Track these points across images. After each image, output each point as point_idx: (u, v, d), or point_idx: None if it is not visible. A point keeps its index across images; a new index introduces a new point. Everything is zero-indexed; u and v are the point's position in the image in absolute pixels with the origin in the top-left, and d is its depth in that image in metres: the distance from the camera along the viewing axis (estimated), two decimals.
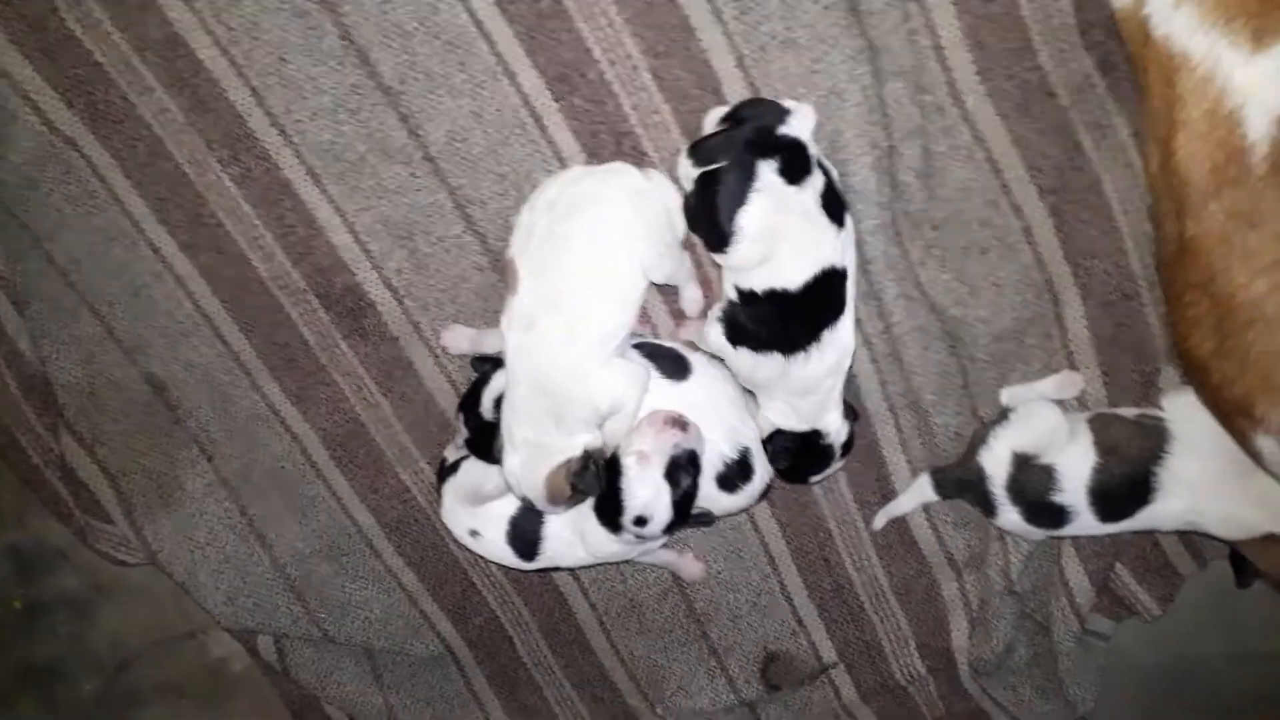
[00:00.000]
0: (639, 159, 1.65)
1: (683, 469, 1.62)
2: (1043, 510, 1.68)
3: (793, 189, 1.49)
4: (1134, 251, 1.67)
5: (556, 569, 1.95)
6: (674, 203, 1.60)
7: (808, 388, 1.63)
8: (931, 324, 1.75)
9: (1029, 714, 2.05)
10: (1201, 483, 1.61)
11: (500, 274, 1.75)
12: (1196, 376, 1.36)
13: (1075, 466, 1.64)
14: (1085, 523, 1.67)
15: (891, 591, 1.98)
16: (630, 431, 1.63)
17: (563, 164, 1.67)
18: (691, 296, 1.72)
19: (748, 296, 1.57)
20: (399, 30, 1.63)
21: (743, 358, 1.63)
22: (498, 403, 1.70)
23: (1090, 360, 1.75)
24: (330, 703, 2.21)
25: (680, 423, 1.63)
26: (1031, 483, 1.66)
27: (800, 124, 1.52)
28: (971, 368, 1.78)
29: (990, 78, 1.59)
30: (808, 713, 2.12)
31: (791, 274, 1.54)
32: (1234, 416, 1.33)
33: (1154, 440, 1.62)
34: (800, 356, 1.59)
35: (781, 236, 1.51)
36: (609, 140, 1.65)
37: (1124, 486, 1.63)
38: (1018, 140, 1.62)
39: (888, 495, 1.89)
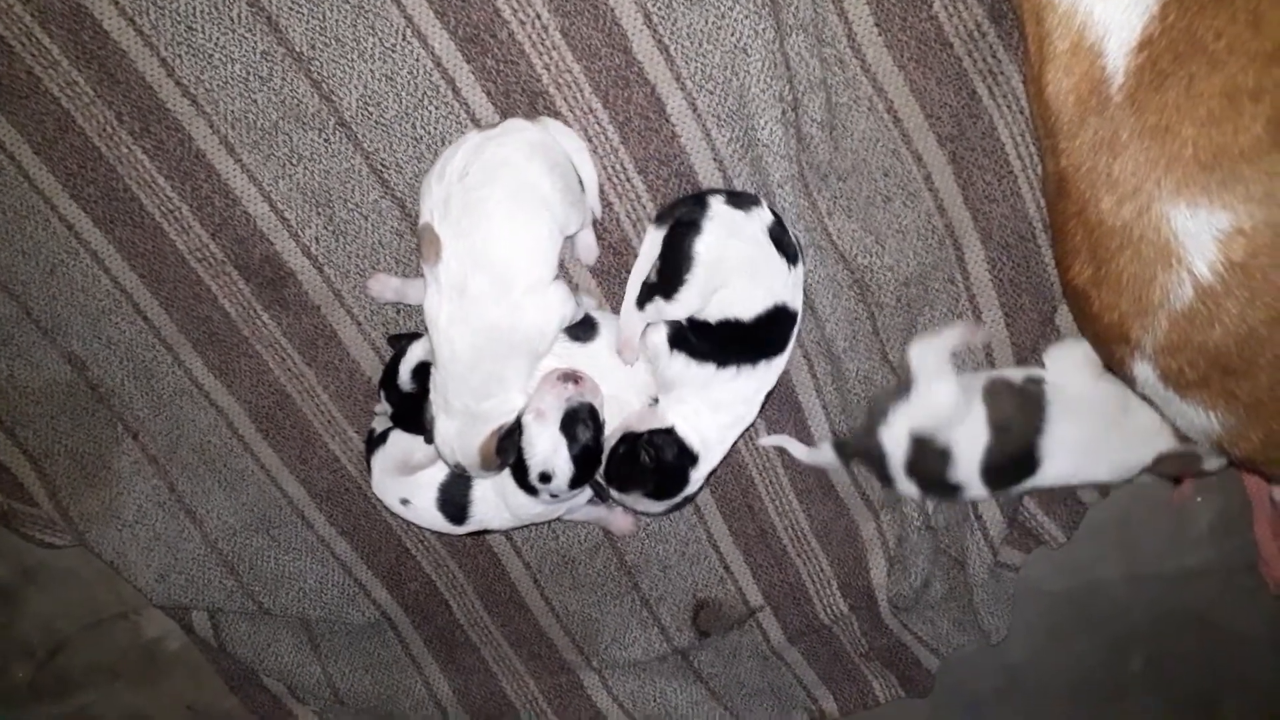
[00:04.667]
0: (552, 118, 1.65)
1: (580, 422, 1.62)
2: (937, 486, 1.72)
3: (741, 213, 1.56)
4: (1029, 194, 1.71)
5: (487, 531, 1.96)
6: (572, 146, 1.61)
7: (722, 404, 1.67)
8: (841, 273, 1.79)
9: (947, 645, 2.11)
10: (1079, 445, 1.67)
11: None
12: (1079, 306, 1.42)
13: (969, 447, 1.67)
14: (976, 493, 1.72)
15: (812, 534, 2.02)
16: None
17: (476, 124, 1.65)
18: (587, 243, 1.73)
19: (701, 327, 1.61)
20: None
21: (676, 361, 1.64)
22: (416, 373, 1.70)
23: (992, 301, 1.81)
24: (268, 675, 2.18)
25: (573, 377, 1.64)
26: (928, 463, 1.69)
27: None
28: (880, 314, 1.82)
29: (888, 29, 1.61)
30: (738, 656, 2.16)
31: (745, 304, 1.58)
32: (1114, 344, 1.38)
33: (1036, 412, 1.66)
34: (731, 371, 1.63)
35: (734, 264, 1.56)
36: (522, 100, 1.64)
37: (1012, 461, 1.67)
38: (916, 90, 1.65)
39: (805, 440, 1.92)
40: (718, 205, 1.57)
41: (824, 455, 1.86)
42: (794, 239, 1.62)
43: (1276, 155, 1.15)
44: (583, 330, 1.71)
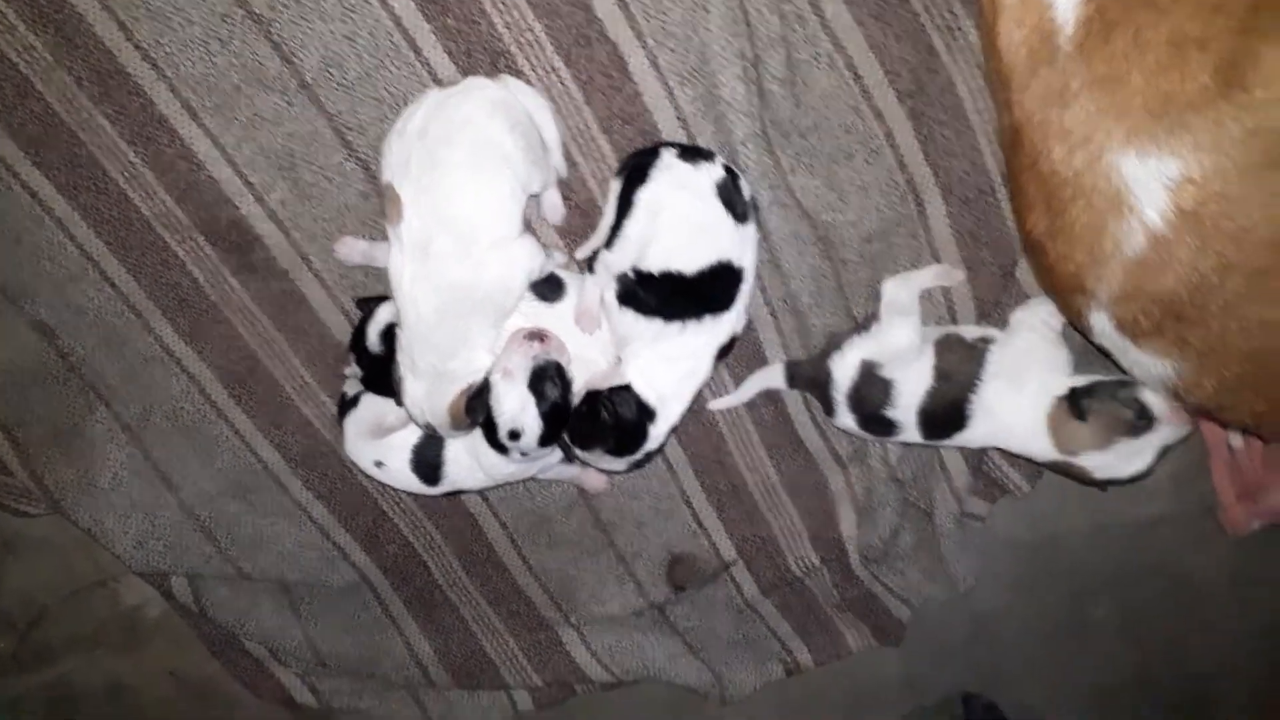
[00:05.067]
0: (516, 78, 1.65)
1: (548, 380, 1.64)
2: (875, 420, 1.75)
3: (690, 167, 1.57)
4: (988, 149, 1.71)
5: (462, 492, 1.97)
6: (533, 104, 1.61)
7: (672, 357, 1.68)
8: (805, 229, 1.79)
9: (916, 595, 2.14)
10: (999, 412, 1.69)
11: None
12: (1037, 259, 1.43)
13: (912, 387, 1.70)
14: (910, 436, 1.75)
15: (783, 488, 2.04)
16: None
17: (439, 84, 1.64)
18: (552, 202, 1.73)
19: (643, 277, 1.62)
20: None
21: (626, 316, 1.66)
22: (384, 335, 1.70)
23: (954, 257, 1.81)
24: (250, 639, 2.20)
25: (539, 335, 1.65)
26: (871, 395, 1.72)
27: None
28: (844, 269, 1.83)
29: None
30: (713, 610, 2.19)
31: (687, 257, 1.59)
32: (1070, 295, 1.40)
33: (974, 368, 1.69)
34: (678, 325, 1.64)
35: (676, 215, 1.57)
36: (484, 59, 1.63)
37: (946, 411, 1.70)
38: (875, 46, 1.65)
39: (773, 396, 1.95)
40: (669, 157, 1.58)
41: (773, 375, 1.88)
42: (746, 198, 1.62)
43: (1223, 104, 1.16)
44: (549, 290, 1.72)
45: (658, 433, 1.71)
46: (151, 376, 1.93)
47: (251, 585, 2.14)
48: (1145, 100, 1.18)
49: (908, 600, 2.17)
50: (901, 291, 1.76)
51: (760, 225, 1.71)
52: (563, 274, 1.75)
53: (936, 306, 1.85)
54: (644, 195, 1.57)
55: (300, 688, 2.27)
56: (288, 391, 1.94)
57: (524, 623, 2.20)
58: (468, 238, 1.54)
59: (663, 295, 1.62)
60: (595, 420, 1.68)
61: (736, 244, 1.61)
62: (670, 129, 1.70)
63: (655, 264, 1.60)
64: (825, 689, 2.33)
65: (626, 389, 1.67)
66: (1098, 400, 1.61)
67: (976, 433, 1.71)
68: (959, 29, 1.65)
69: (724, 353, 1.74)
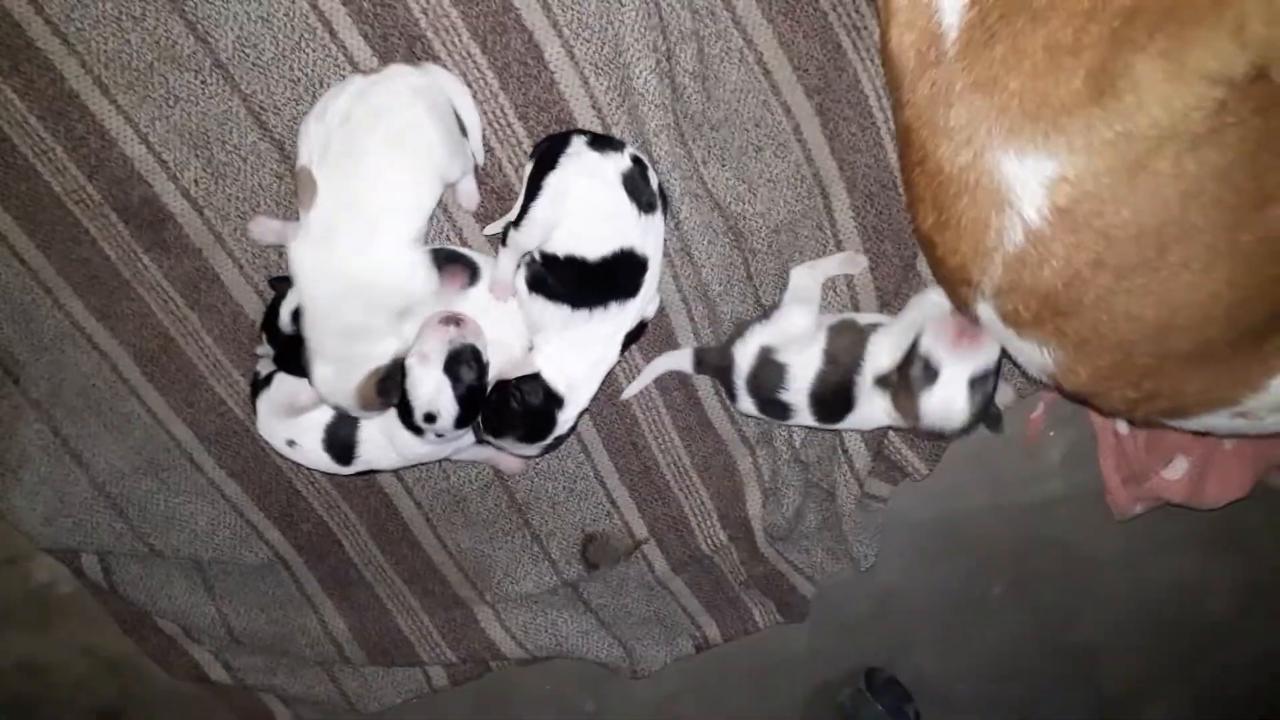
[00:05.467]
0: (433, 62, 1.66)
1: (464, 363, 1.66)
2: (771, 404, 1.81)
3: (598, 155, 1.60)
4: (890, 146, 1.77)
5: (376, 471, 1.99)
6: (455, 91, 1.63)
7: (582, 344, 1.72)
8: (716, 220, 1.83)
9: (820, 573, 2.22)
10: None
11: None
12: (927, 252, 1.49)
13: (803, 370, 1.76)
14: (805, 419, 1.81)
15: (693, 469, 2.10)
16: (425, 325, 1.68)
17: (356, 68, 1.65)
18: (468, 190, 1.75)
19: (549, 260, 1.64)
20: None
21: (536, 302, 1.69)
22: (295, 315, 1.70)
23: (857, 248, 1.86)
24: (162, 617, 2.19)
25: (455, 319, 1.67)
26: (767, 378, 1.78)
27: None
28: (753, 259, 1.88)
29: None
30: (625, 587, 2.24)
31: (589, 243, 1.62)
32: (957, 286, 1.47)
33: (859, 352, 1.76)
34: (585, 313, 1.68)
35: (580, 201, 1.59)
36: (400, 43, 1.64)
37: (834, 393, 1.76)
38: (785, 43, 1.70)
39: (684, 379, 2.00)
40: (579, 144, 1.61)
41: (681, 360, 1.93)
42: (653, 189, 1.66)
43: (1094, 109, 1.23)
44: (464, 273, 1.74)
45: (566, 418, 1.75)
46: (62, 353, 1.91)
47: (164, 563, 2.13)
48: (1023, 103, 1.24)
49: (812, 577, 2.24)
50: (807, 279, 1.83)
51: (669, 216, 1.75)
52: (476, 257, 1.77)
53: (840, 295, 1.91)
54: (551, 180, 1.60)
55: (214, 664, 2.26)
56: (201, 370, 1.93)
57: (439, 601, 2.22)
58: (373, 229, 1.56)
59: (568, 281, 1.66)
60: (505, 409, 1.72)
61: (640, 233, 1.65)
62: (586, 118, 1.73)
63: (560, 248, 1.63)
64: (734, 663, 2.40)
65: (535, 377, 1.71)
66: (899, 371, 1.69)
67: (864, 414, 1.78)
68: (865, 28, 1.71)
69: (633, 338, 1.79)
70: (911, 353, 1.67)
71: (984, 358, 1.64)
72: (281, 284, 1.76)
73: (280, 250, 1.82)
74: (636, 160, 1.64)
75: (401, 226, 1.59)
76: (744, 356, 1.81)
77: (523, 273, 1.69)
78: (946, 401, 1.65)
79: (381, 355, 1.66)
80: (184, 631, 2.23)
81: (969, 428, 1.71)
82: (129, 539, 2.08)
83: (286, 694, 2.32)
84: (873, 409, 1.76)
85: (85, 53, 1.65)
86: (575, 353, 1.72)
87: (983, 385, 1.66)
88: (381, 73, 1.58)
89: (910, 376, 1.66)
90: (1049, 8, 1.19)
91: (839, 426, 1.87)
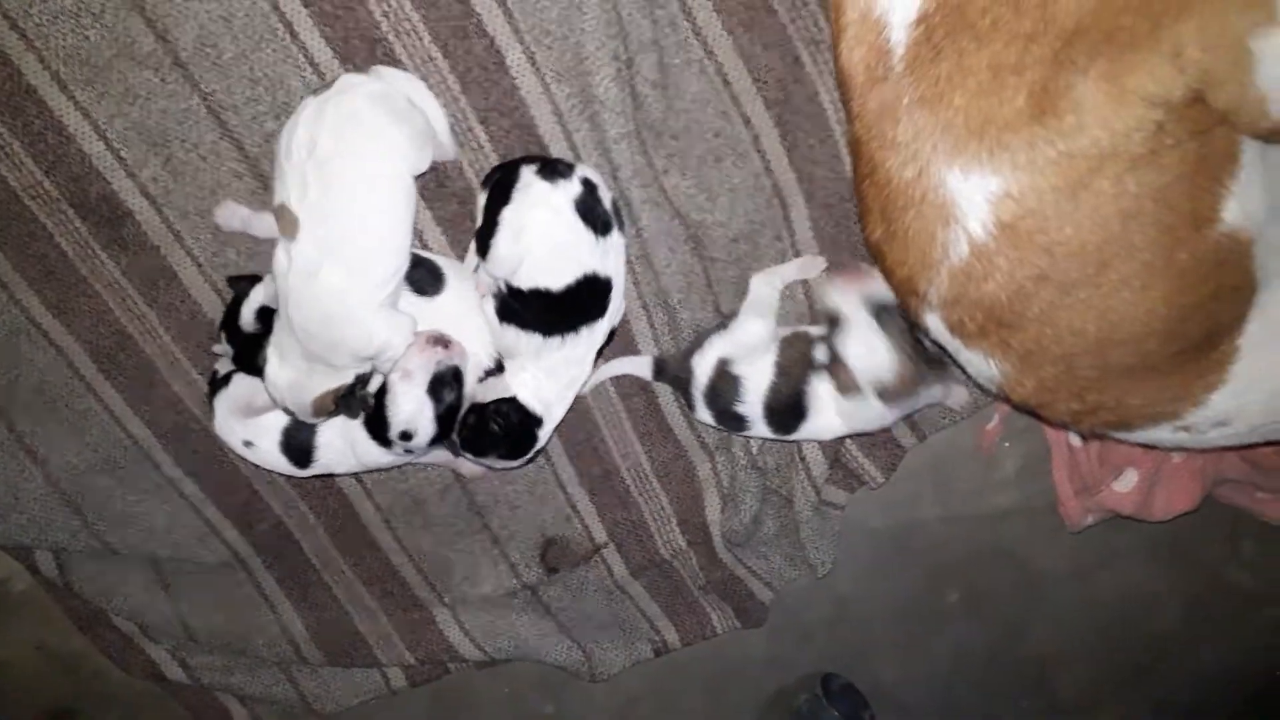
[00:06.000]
0: (392, 65, 1.66)
1: (446, 385, 1.67)
2: (728, 416, 1.83)
3: (548, 185, 1.60)
4: (847, 157, 1.80)
5: (334, 475, 1.99)
6: (411, 89, 1.62)
7: (556, 369, 1.74)
8: (676, 228, 1.85)
9: (778, 578, 2.23)
10: (835, 400, 1.79)
11: (260, 182, 1.75)
12: (878, 262, 1.51)
13: (756, 382, 1.78)
14: (760, 430, 1.83)
15: (653, 474, 2.10)
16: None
17: (316, 69, 1.65)
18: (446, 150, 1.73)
19: (515, 292, 1.66)
20: None
21: (508, 331, 1.71)
22: (259, 314, 1.70)
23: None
24: (118, 614, 2.17)
25: (443, 341, 1.68)
26: (724, 391, 1.80)
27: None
28: (712, 267, 1.89)
29: None
30: (584, 591, 2.24)
31: (551, 275, 1.63)
32: (907, 297, 1.48)
33: (808, 363, 1.78)
34: (557, 339, 1.69)
35: (537, 234, 1.60)
36: (361, 46, 1.64)
37: (786, 403, 1.78)
38: (744, 55, 1.71)
39: (645, 385, 2.00)
40: (528, 175, 1.62)
41: (641, 365, 1.94)
42: (608, 208, 1.66)
43: (1037, 127, 1.25)
44: (429, 283, 1.74)
45: (545, 433, 1.79)
46: (17, 348, 1.89)
47: (120, 560, 2.11)
48: (967, 120, 1.26)
49: (770, 583, 2.25)
50: (766, 286, 1.84)
51: (627, 229, 1.76)
52: (441, 264, 1.77)
53: (799, 306, 1.92)
54: (506, 215, 1.61)
55: (170, 663, 2.24)
56: (158, 367, 1.92)
57: (398, 602, 2.22)
58: (357, 266, 1.56)
59: (537, 312, 1.67)
60: (485, 431, 1.74)
61: (600, 256, 1.65)
62: (547, 124, 1.74)
63: (524, 282, 1.64)
64: (692, 667, 2.40)
65: (512, 400, 1.73)
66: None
67: (817, 424, 1.79)
68: (823, 41, 1.73)
69: (603, 347, 1.80)
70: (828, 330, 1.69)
71: (871, 286, 1.66)
72: (240, 283, 1.75)
73: (239, 249, 1.82)
74: (586, 183, 1.64)
75: (381, 269, 1.60)
76: (702, 369, 1.82)
77: (492, 303, 1.70)
78: (866, 343, 1.68)
79: (344, 377, 1.67)
80: (140, 630, 2.21)
81: (922, 371, 1.72)
82: (85, 536, 2.06)
83: (243, 693, 2.30)
84: (826, 418, 1.77)
85: (44, 48, 1.65)
86: (550, 377, 1.75)
87: (890, 314, 1.67)
88: (332, 87, 1.56)
89: (831, 343, 1.68)
90: (993, 28, 1.21)
91: (795, 437, 1.88)
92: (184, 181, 1.75)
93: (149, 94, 1.68)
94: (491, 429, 1.74)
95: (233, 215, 1.77)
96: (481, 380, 1.77)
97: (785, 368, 1.77)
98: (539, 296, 1.65)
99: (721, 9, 1.69)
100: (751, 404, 1.78)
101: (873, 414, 1.78)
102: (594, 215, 1.64)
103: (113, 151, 1.73)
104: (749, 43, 1.72)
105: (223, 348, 1.78)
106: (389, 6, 1.63)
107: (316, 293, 1.57)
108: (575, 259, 1.64)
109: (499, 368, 1.78)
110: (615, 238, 1.68)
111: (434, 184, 1.77)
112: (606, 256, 1.66)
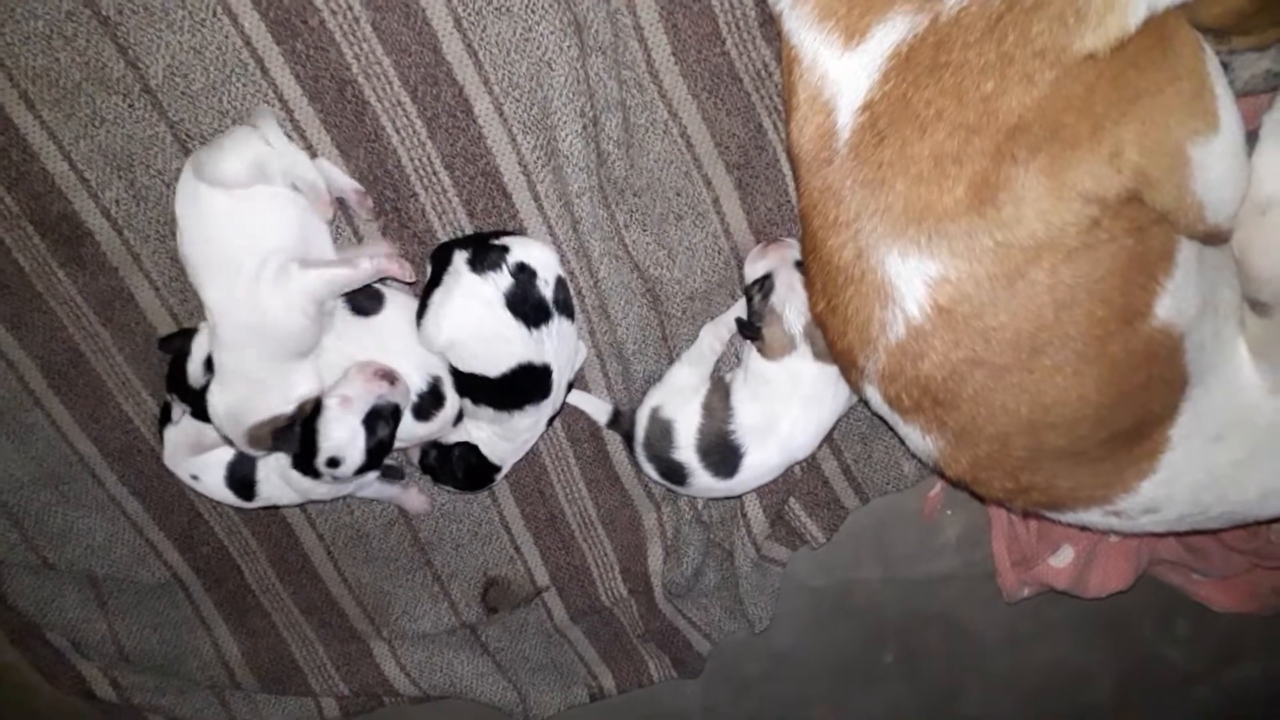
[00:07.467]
0: (361, 107, 1.66)
1: (382, 419, 1.66)
2: (668, 466, 1.81)
3: (477, 279, 1.61)
4: None
5: (279, 507, 1.97)
6: (273, 134, 1.60)
7: (510, 434, 1.79)
8: (635, 282, 1.85)
9: (717, 631, 2.22)
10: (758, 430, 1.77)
11: None
12: (822, 333, 1.53)
13: (685, 425, 1.77)
14: (705, 482, 1.80)
15: (599, 521, 2.10)
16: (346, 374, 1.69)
17: (284, 104, 1.65)
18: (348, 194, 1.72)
19: (457, 373, 1.70)
20: None
21: (466, 401, 1.76)
22: (208, 364, 1.69)
23: None
24: (51, 629, 2.13)
25: (390, 377, 1.67)
26: (657, 439, 1.80)
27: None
28: (668, 323, 1.89)
29: (684, 60, 1.67)
30: (524, 632, 2.22)
31: (484, 363, 1.65)
32: (847, 368, 1.50)
33: (727, 399, 1.78)
34: (506, 414, 1.73)
35: (468, 326, 1.62)
36: (331, 86, 1.65)
37: (717, 444, 1.77)
38: (708, 119, 1.73)
39: (595, 432, 1.99)
40: (459, 262, 1.63)
41: (601, 410, 1.94)
42: (546, 296, 1.65)
43: (975, 217, 1.26)
44: (368, 302, 1.73)
45: (500, 476, 1.87)
46: None
47: (57, 575, 2.08)
48: (907, 205, 1.27)
49: (709, 635, 2.24)
50: (709, 336, 1.86)
51: (575, 313, 1.78)
52: (382, 287, 1.77)
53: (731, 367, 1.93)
54: (435, 299, 1.63)
55: (101, 681, 2.20)
56: (109, 387, 1.90)
57: (335, 633, 2.19)
58: (247, 283, 1.57)
59: (480, 391, 1.70)
60: (446, 466, 1.82)
61: (535, 346, 1.65)
62: (512, 174, 1.75)
63: (461, 365, 1.68)
64: (627, 714, 2.38)
65: (474, 447, 1.79)
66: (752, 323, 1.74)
67: (757, 460, 1.77)
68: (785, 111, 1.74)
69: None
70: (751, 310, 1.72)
71: (795, 250, 1.70)
72: (171, 343, 1.75)
73: None
74: (521, 270, 1.64)
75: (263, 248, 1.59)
76: (640, 420, 1.83)
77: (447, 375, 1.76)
78: (791, 283, 1.68)
79: (287, 403, 1.66)
80: (73, 646, 2.18)
81: None
82: (22, 549, 2.03)
83: (174, 715, 2.26)
84: (765, 453, 1.76)
85: (14, 67, 1.64)
86: (505, 440, 1.80)
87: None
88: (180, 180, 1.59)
89: (764, 309, 1.69)
90: (936, 118, 1.23)
91: (741, 481, 1.83)
92: (146, 206, 1.75)
93: (116, 118, 1.67)
94: (451, 466, 1.82)
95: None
96: (415, 404, 1.76)
97: (711, 408, 1.77)
98: (478, 379, 1.68)
99: (688, 74, 1.70)
100: (685, 448, 1.77)
101: (815, 390, 1.74)
102: (526, 307, 1.63)
103: (76, 172, 1.72)
104: (713, 108, 1.74)
105: (181, 406, 1.77)
106: (361, 50, 1.64)
107: (235, 304, 1.59)
108: (507, 349, 1.65)
109: (433, 391, 1.77)
110: (555, 325, 1.67)
111: (396, 223, 1.77)
112: (543, 345, 1.66)
